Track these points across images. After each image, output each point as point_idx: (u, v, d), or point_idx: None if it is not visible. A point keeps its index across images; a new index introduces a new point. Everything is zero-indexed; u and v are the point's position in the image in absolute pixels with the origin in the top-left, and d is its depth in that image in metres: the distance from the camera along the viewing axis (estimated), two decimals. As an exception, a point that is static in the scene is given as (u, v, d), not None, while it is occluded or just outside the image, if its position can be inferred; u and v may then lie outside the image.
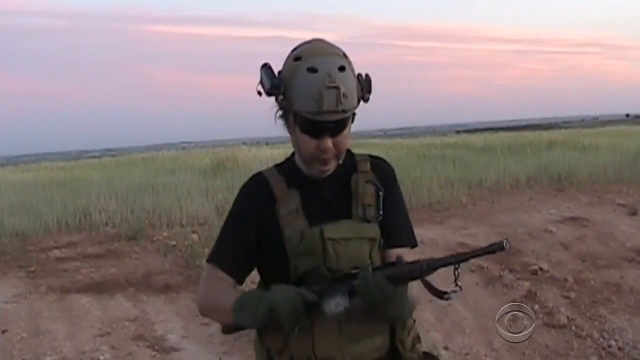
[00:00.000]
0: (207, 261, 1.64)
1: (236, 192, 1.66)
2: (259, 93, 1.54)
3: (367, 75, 1.53)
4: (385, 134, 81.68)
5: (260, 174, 1.64)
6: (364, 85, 1.52)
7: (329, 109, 1.44)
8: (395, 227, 1.62)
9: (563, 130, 28.34)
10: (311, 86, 1.44)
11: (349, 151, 1.63)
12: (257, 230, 1.57)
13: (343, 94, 1.45)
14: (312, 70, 1.45)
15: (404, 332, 1.60)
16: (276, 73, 1.53)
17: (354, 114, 1.54)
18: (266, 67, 1.53)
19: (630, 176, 10.37)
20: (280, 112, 1.56)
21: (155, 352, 4.83)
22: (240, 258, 1.60)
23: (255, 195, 1.60)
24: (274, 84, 1.49)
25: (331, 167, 1.56)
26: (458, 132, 44.87)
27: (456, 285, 1.41)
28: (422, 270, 1.40)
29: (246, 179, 1.66)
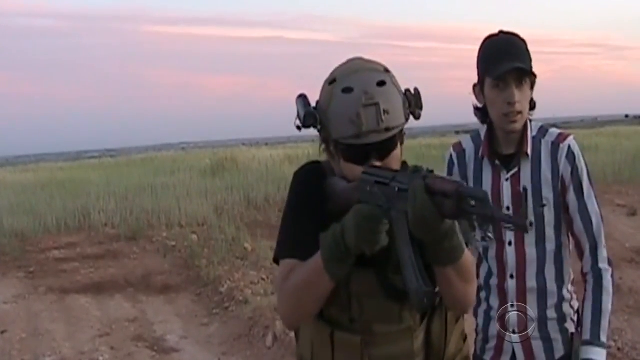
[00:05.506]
0: (279, 259, 1.43)
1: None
2: (298, 128, 1.39)
3: (416, 89, 1.38)
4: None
5: (316, 162, 1.51)
6: (413, 100, 1.37)
7: (369, 129, 1.29)
8: None
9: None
10: (347, 107, 1.30)
11: (404, 163, 1.46)
12: (317, 214, 1.40)
13: (384, 110, 1.30)
14: (348, 90, 1.31)
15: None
16: (314, 103, 1.39)
17: (403, 133, 1.38)
18: (301, 97, 1.40)
19: (630, 177, 10.36)
20: (323, 146, 1.42)
21: (154, 353, 4.83)
22: (312, 239, 1.34)
23: (312, 180, 1.45)
24: (309, 112, 1.35)
25: None
26: (457, 132, 44.82)
27: (486, 235, 1.15)
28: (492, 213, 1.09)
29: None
